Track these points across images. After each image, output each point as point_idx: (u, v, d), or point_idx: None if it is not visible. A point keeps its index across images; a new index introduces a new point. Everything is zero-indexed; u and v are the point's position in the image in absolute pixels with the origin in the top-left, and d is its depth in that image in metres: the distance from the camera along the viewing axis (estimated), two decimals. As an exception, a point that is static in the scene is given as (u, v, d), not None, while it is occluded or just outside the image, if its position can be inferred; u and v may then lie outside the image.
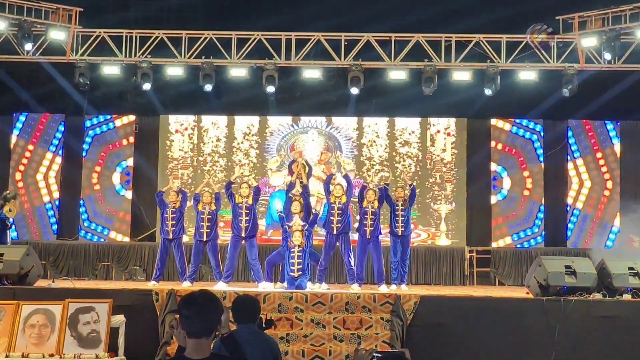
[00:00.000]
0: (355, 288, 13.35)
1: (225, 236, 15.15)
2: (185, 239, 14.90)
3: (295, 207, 13.68)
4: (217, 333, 4.64)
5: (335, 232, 13.86)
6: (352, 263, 13.93)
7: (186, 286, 13.37)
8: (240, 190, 14.04)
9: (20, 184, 18.56)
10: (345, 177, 14.56)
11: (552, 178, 18.80)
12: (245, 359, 5.32)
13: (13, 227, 14.27)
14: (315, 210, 14.60)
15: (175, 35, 17.10)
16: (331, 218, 13.91)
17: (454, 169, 18.78)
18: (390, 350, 9.92)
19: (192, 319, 4.31)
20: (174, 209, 14.14)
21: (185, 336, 4.34)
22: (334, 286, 14.67)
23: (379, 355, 4.85)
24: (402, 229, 14.16)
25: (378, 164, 18.65)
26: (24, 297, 10.77)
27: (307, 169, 14.59)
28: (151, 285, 13.35)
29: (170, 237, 14.09)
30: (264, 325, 6.64)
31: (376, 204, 13.99)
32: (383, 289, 13.40)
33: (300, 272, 12.93)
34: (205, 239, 13.92)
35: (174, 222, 14.10)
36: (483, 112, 18.64)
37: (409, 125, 18.89)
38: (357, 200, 15.24)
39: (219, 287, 13.11)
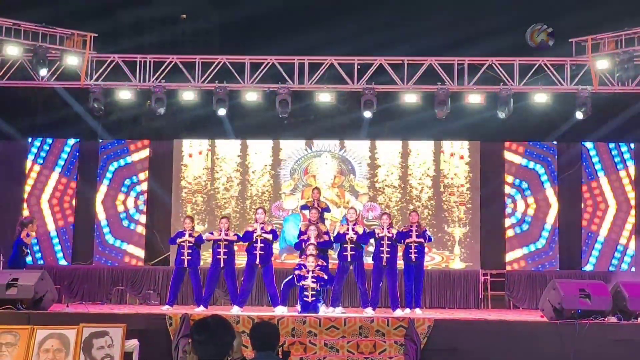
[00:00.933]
0: (369, 312, 13.32)
1: (240, 260, 15.12)
2: (201, 263, 14.87)
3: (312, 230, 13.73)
4: (229, 358, 4.62)
5: (349, 260, 13.82)
6: (366, 287, 13.88)
7: (200, 310, 13.35)
8: (256, 215, 14.10)
9: (35, 208, 18.61)
10: (358, 238, 13.90)
11: (567, 201, 18.70)
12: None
13: (28, 251, 14.31)
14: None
15: (189, 60, 17.18)
16: (345, 246, 13.88)
17: (467, 192, 18.74)
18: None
19: (204, 344, 4.32)
20: (190, 235, 14.17)
21: (198, 361, 4.34)
22: (348, 310, 14.60)
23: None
24: (416, 255, 14.10)
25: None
26: (39, 322, 10.77)
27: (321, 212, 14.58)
28: (165, 309, 13.33)
29: (185, 265, 14.10)
30: (280, 358, 6.49)
31: (393, 230, 13.98)
32: (397, 313, 13.34)
33: (314, 297, 12.90)
34: (222, 265, 13.93)
35: (190, 250, 14.11)
36: (497, 135, 18.64)
37: (422, 148, 18.88)
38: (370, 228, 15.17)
39: (234, 311, 13.10)
